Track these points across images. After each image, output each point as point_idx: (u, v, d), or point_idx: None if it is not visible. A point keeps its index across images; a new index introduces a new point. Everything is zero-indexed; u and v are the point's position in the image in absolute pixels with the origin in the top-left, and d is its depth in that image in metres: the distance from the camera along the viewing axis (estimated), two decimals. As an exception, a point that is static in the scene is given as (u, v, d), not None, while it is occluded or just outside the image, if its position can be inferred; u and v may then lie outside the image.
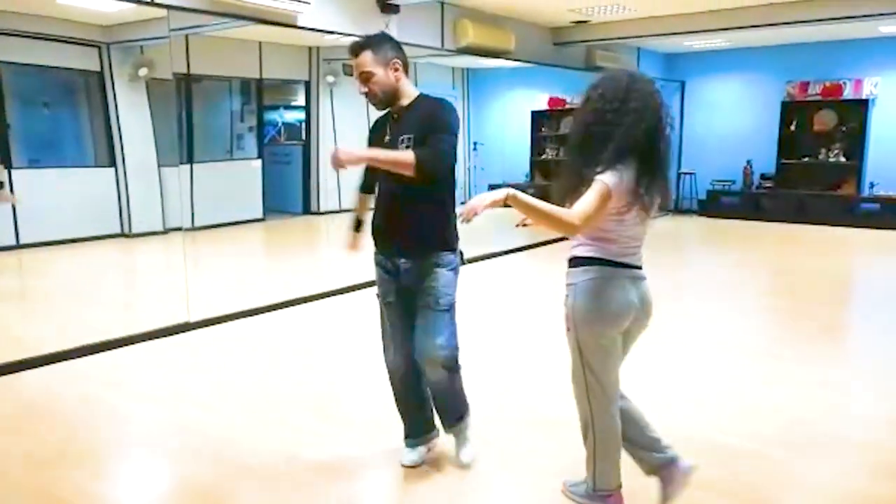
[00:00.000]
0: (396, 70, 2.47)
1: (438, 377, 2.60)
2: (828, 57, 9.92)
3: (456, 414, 2.74)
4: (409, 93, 2.53)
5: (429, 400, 2.76)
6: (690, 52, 11.00)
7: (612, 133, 2.05)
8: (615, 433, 2.30)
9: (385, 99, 2.51)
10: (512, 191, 1.96)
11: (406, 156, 2.37)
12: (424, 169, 2.36)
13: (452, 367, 2.61)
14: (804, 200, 10.00)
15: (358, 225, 2.81)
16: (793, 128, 10.23)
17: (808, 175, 10.14)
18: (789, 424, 3.15)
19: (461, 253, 2.66)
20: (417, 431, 2.78)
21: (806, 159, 10.14)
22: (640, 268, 2.22)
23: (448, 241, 2.58)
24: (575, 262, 2.24)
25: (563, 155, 11.40)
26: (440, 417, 2.77)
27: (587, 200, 1.99)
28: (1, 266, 4.76)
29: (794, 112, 10.22)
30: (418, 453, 2.76)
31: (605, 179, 2.00)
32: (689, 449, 2.83)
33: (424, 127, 2.44)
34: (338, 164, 2.33)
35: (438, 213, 2.56)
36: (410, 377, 2.69)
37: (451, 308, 2.59)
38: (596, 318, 2.17)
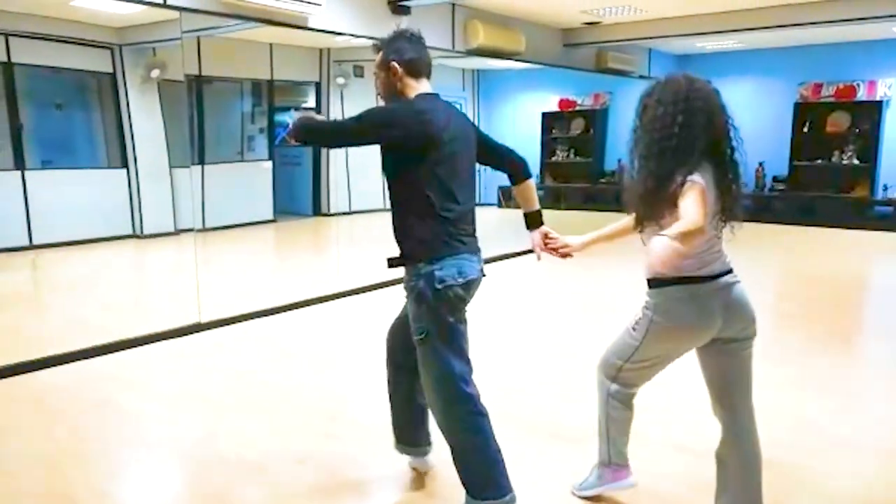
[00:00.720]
0: (395, 74, 2.38)
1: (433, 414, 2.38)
2: (841, 58, 9.85)
3: (469, 482, 2.29)
4: (409, 95, 2.39)
5: (422, 414, 2.59)
6: (702, 54, 10.96)
7: (685, 136, 2.01)
8: (628, 415, 2.43)
9: (386, 100, 2.46)
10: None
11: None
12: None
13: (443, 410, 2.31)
14: (817, 203, 9.93)
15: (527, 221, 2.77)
16: (806, 130, 10.16)
17: (820, 177, 10.06)
18: (800, 429, 3.12)
19: (435, 277, 2.24)
20: (408, 440, 2.67)
21: (819, 161, 10.07)
22: (726, 273, 2.15)
23: (413, 255, 2.31)
24: (653, 283, 2.24)
25: (573, 156, 11.40)
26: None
27: (692, 202, 1.88)
28: (14, 266, 4.79)
29: (806, 114, 10.15)
30: (415, 461, 2.70)
31: (697, 180, 1.95)
32: (701, 455, 2.81)
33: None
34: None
35: (412, 221, 2.31)
36: (400, 390, 2.60)
37: (426, 337, 2.26)
38: (666, 336, 2.23)
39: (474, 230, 2.45)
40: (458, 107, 10.85)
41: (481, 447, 2.27)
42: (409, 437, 2.67)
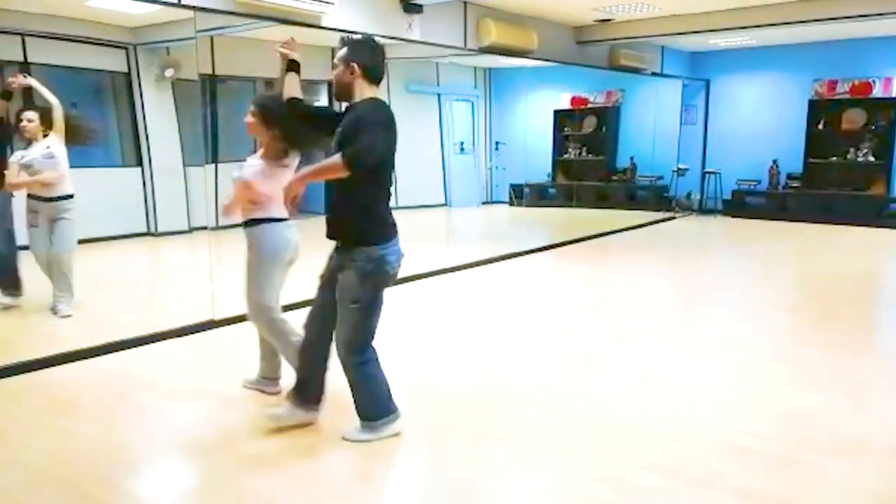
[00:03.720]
0: (353, 73, 2.75)
1: (341, 361, 2.89)
2: (856, 55, 9.76)
3: (363, 411, 2.93)
4: (362, 95, 2.77)
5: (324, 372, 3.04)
6: (716, 51, 10.89)
7: None
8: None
9: (337, 92, 2.84)
10: None
11: (333, 160, 2.62)
12: (353, 164, 2.57)
13: (349, 358, 2.85)
14: (832, 201, 9.85)
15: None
16: (820, 127, 10.08)
17: (836, 175, 9.99)
18: (815, 427, 3.10)
19: (382, 260, 2.76)
20: (307, 397, 3.03)
21: (834, 159, 9.99)
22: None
23: (363, 237, 2.77)
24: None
25: (585, 154, 11.38)
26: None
27: None
28: (30, 264, 4.88)
29: (821, 111, 10.08)
30: (294, 415, 3.03)
31: None
32: (718, 453, 2.81)
33: (351, 125, 2.69)
34: (292, 202, 2.75)
35: (361, 207, 2.76)
36: (313, 349, 3.01)
37: (357, 304, 2.78)
38: None
39: None
40: (470, 105, 10.76)
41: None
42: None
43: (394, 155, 2.79)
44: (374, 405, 2.93)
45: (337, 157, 2.59)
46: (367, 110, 2.71)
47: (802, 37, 9.52)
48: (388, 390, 2.97)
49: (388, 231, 2.81)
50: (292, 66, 3.02)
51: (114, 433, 3.09)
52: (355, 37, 2.87)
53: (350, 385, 2.93)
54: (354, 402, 2.94)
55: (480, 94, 11.68)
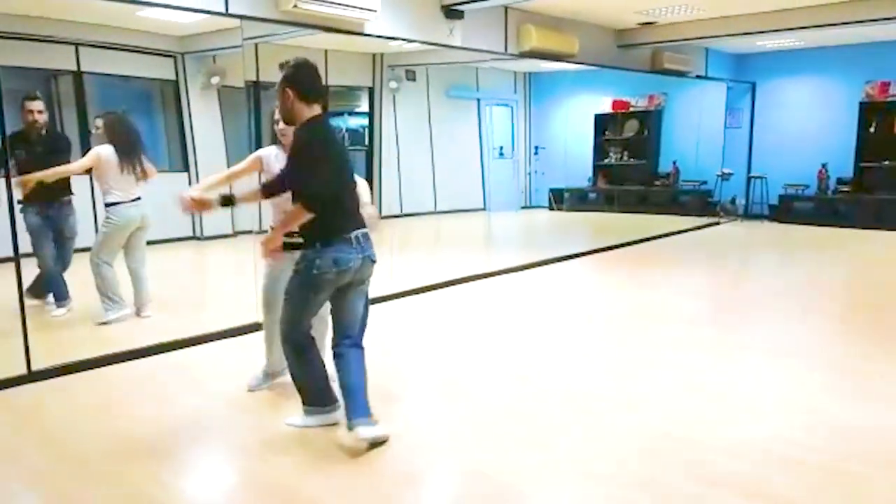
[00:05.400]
0: (289, 97, 2.92)
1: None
2: (910, 55, 9.46)
3: (302, 396, 3.15)
4: (302, 117, 2.93)
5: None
6: (761, 52, 10.67)
7: None
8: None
9: (284, 118, 3.07)
10: None
11: (294, 211, 2.87)
12: (311, 205, 2.83)
13: (284, 341, 3.06)
14: (884, 205, 9.54)
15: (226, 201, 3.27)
16: (872, 129, 9.78)
17: (888, 179, 9.68)
18: (866, 439, 3.00)
19: (314, 262, 2.90)
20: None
21: (886, 162, 9.68)
22: None
23: (306, 239, 2.94)
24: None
25: (626, 158, 11.26)
26: None
27: None
28: (81, 267, 5.05)
29: (873, 113, 9.79)
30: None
31: None
32: (763, 463, 2.75)
33: (290, 160, 2.95)
34: (274, 257, 3.19)
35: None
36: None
37: (288, 298, 3.02)
38: None
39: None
40: (510, 109, 10.77)
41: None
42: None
43: (344, 169, 3.02)
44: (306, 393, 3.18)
45: (296, 207, 2.85)
46: (300, 143, 2.90)
47: (852, 38, 9.27)
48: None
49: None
50: (226, 201, 3.27)
51: (162, 432, 3.17)
52: (290, 61, 2.99)
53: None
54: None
55: (520, 98, 11.65)
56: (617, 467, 2.74)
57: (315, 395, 3.14)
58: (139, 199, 4.98)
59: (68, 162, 4.92)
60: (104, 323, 4.80)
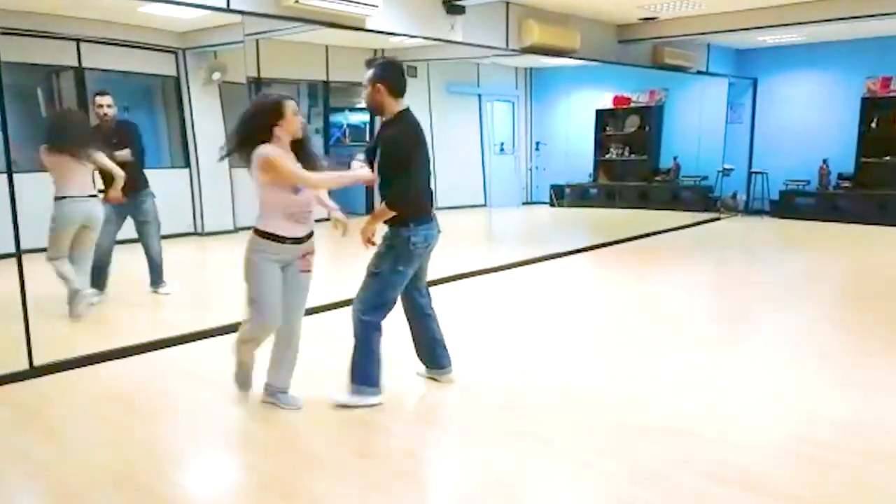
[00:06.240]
0: (380, 92, 3.21)
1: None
2: (912, 51, 9.44)
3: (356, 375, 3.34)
4: (392, 110, 3.24)
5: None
6: (763, 48, 10.65)
7: None
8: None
9: (370, 109, 3.34)
10: None
11: (383, 209, 3.24)
12: (398, 205, 3.23)
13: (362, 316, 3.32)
14: (886, 201, 9.54)
15: None
16: (874, 125, 9.77)
17: (890, 175, 9.66)
18: (871, 434, 3.01)
19: (408, 239, 3.23)
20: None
21: (888, 158, 9.67)
22: None
23: (398, 219, 3.23)
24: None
25: (627, 154, 11.25)
26: None
27: None
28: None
29: (874, 109, 9.77)
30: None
31: None
32: (766, 458, 2.76)
33: (389, 151, 3.23)
34: (371, 244, 3.37)
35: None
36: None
37: (378, 275, 3.30)
38: None
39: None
40: (511, 105, 10.74)
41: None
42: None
43: (427, 157, 3.32)
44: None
45: (394, 200, 3.18)
46: (401, 135, 3.21)
47: (854, 33, 9.25)
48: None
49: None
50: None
51: (165, 428, 3.18)
52: (377, 59, 3.28)
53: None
54: None
55: (521, 94, 11.65)
56: (617, 463, 2.75)
57: (369, 376, 3.31)
58: (94, 196, 4.92)
59: (142, 149, 5.40)
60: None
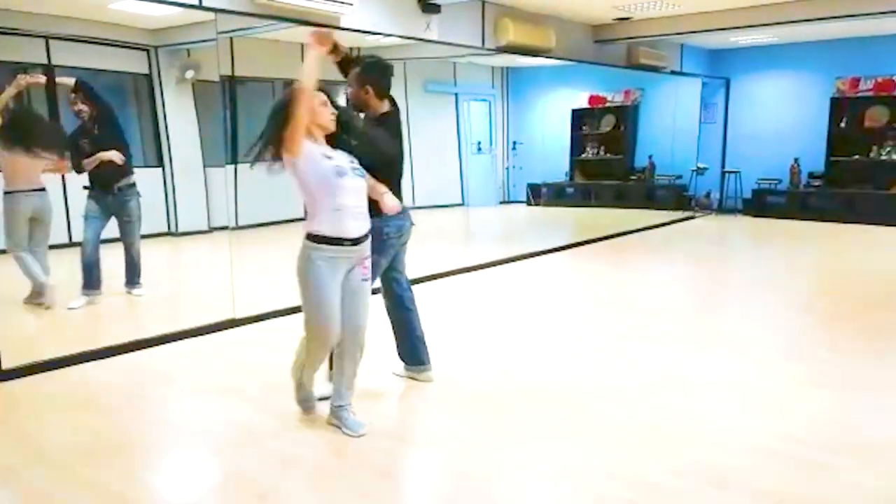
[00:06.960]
0: (367, 93, 3.33)
1: None
2: (880, 51, 9.63)
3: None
4: (377, 109, 3.39)
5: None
6: (736, 48, 10.79)
7: None
8: None
9: (354, 106, 3.40)
10: None
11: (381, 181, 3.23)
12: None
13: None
14: (854, 199, 9.72)
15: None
16: (843, 125, 9.95)
17: (858, 173, 9.86)
18: (836, 428, 3.06)
19: (382, 230, 3.30)
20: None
21: (856, 157, 9.86)
22: None
23: (373, 212, 3.17)
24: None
25: (603, 153, 11.33)
26: None
27: None
28: (53, 264, 4.98)
29: (844, 108, 9.95)
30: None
31: None
32: (737, 454, 2.79)
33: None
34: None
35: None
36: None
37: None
38: None
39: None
40: (487, 104, 10.76)
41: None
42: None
43: (402, 154, 3.48)
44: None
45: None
46: (381, 134, 3.30)
47: (824, 34, 9.41)
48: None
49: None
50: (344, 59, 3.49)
51: (135, 430, 3.14)
52: (365, 57, 3.39)
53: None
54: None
55: (498, 93, 11.66)
56: (599, 462, 2.75)
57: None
58: (42, 189, 5.01)
59: (124, 142, 5.42)
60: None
